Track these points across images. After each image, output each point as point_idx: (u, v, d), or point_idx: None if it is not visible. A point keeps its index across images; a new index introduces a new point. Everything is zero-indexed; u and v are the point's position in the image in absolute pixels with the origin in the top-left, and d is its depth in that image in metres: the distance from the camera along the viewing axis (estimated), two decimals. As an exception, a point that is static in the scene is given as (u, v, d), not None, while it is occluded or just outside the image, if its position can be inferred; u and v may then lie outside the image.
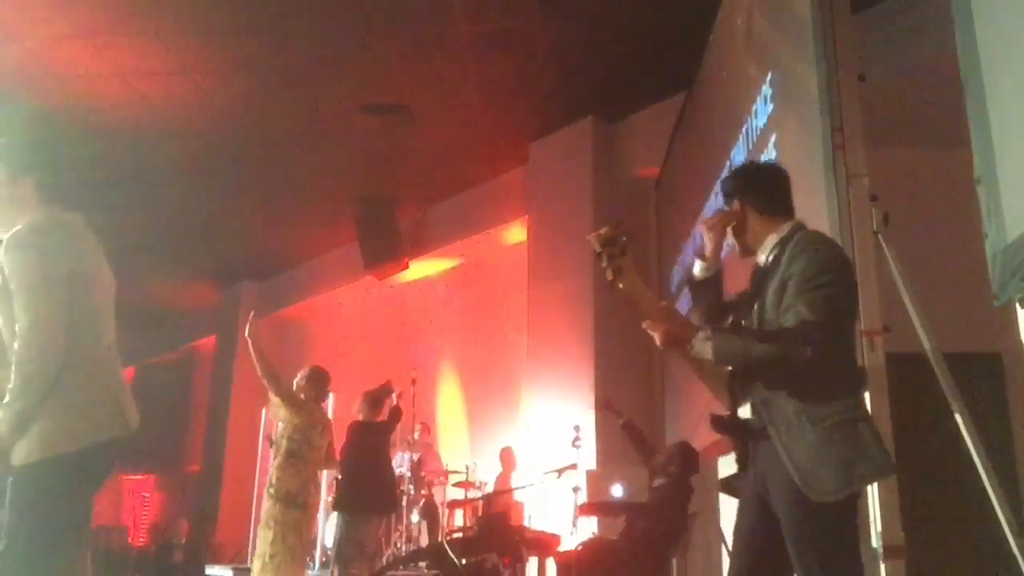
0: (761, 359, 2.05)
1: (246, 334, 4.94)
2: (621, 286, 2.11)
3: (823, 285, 2.05)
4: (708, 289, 2.36)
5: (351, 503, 5.40)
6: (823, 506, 1.98)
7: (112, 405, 2.44)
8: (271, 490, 4.81)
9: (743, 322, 2.26)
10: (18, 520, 2.29)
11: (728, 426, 2.22)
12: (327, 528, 7.17)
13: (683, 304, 5.90)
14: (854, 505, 2.05)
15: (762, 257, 2.27)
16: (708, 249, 2.37)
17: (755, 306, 2.21)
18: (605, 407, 5.86)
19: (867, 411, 2.19)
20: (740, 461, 2.24)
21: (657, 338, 2.11)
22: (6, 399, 2.30)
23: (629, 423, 5.50)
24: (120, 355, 2.58)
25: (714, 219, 2.37)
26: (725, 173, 4.86)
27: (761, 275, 2.24)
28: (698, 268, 2.38)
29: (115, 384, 2.49)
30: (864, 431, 2.06)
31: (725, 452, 4.63)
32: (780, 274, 2.14)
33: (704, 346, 2.08)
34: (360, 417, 5.64)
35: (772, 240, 2.25)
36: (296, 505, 4.77)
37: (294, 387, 5.07)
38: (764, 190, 2.34)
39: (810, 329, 2.00)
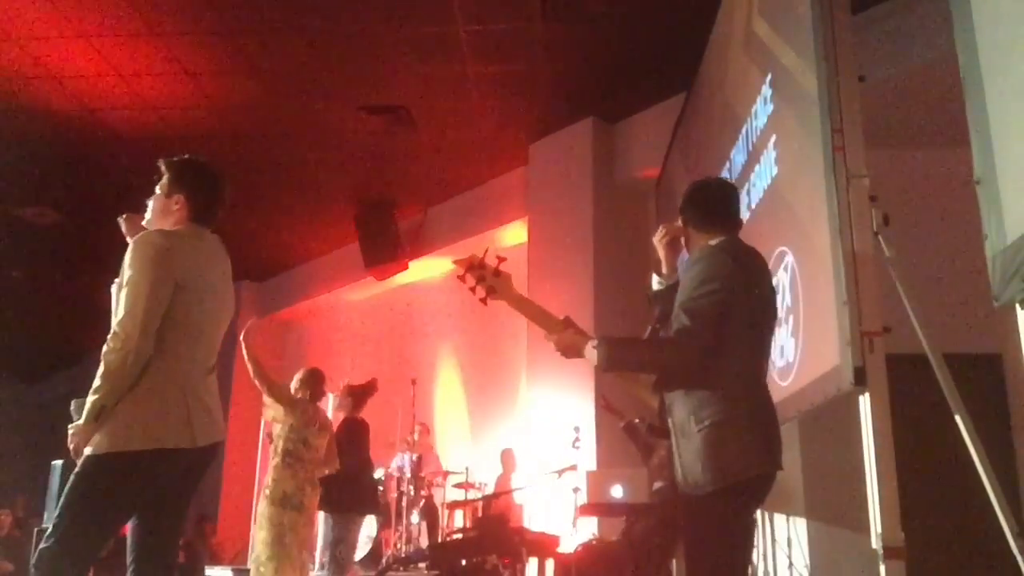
0: (645, 367, 2.27)
1: (241, 336, 4.94)
2: (492, 300, 2.31)
3: (705, 294, 2.21)
4: (664, 300, 2.48)
5: (345, 503, 5.28)
6: (701, 500, 2.15)
7: (182, 416, 2.47)
8: (267, 491, 4.79)
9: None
10: (66, 506, 2.37)
11: (634, 431, 2.45)
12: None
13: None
14: (727, 499, 2.16)
15: (682, 272, 2.46)
16: (663, 264, 2.55)
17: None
18: (606, 408, 5.85)
19: (752, 409, 2.26)
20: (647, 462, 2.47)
21: (553, 346, 2.31)
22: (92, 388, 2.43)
23: (630, 425, 5.50)
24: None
25: (661, 233, 2.55)
26: (725, 174, 4.88)
27: (672, 291, 2.42)
28: (655, 282, 2.54)
29: (193, 398, 2.53)
30: (746, 427, 2.19)
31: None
32: (680, 283, 2.34)
33: (592, 354, 2.26)
34: (344, 413, 5.59)
35: (694, 256, 2.42)
36: (292, 506, 4.74)
37: (291, 389, 5.07)
38: (700, 207, 2.50)
39: (685, 337, 2.17)
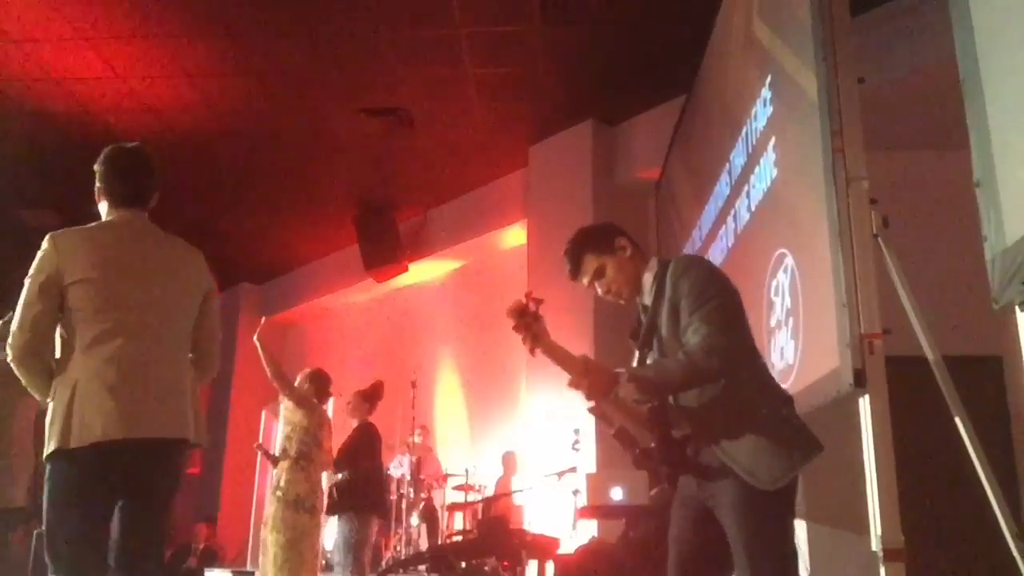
0: (681, 381, 2.18)
1: (255, 338, 4.94)
2: (538, 351, 2.22)
3: (711, 297, 2.19)
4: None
5: (365, 506, 5.30)
6: (768, 495, 2.10)
7: (101, 408, 2.41)
8: (279, 493, 4.78)
9: (647, 361, 2.36)
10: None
11: (664, 458, 2.28)
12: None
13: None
14: (794, 490, 2.18)
15: (646, 296, 2.38)
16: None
17: (654, 340, 2.32)
18: (596, 415, 5.84)
19: (787, 396, 2.31)
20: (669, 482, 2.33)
21: (583, 394, 2.22)
22: None
23: (621, 431, 5.50)
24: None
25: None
26: (725, 176, 4.88)
27: (651, 310, 2.34)
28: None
29: (111, 390, 2.45)
30: (787, 416, 2.22)
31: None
32: (667, 301, 2.26)
33: (628, 389, 2.21)
34: (358, 418, 5.62)
35: (648, 278, 2.37)
36: (305, 509, 4.74)
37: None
38: (622, 235, 2.45)
39: (712, 340, 2.13)
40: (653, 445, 2.30)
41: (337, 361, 9.63)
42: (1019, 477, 5.08)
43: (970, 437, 2.69)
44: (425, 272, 9.93)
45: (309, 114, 7.58)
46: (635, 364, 2.40)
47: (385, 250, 9.26)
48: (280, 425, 5.19)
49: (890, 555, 2.61)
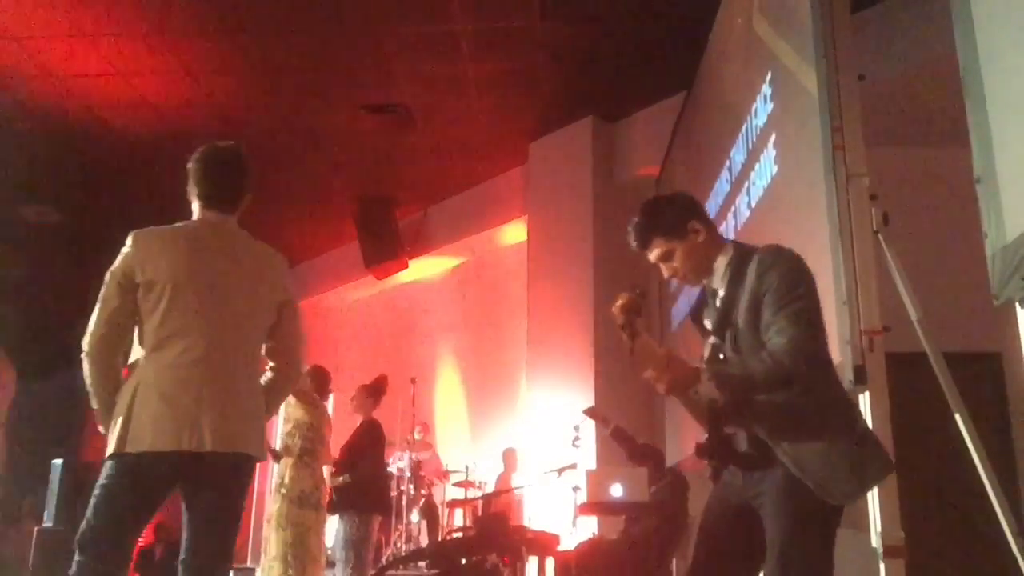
0: (764, 384, 2.03)
1: None
2: (636, 348, 2.09)
3: (800, 296, 2.05)
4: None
5: (368, 504, 5.30)
6: (821, 505, 2.00)
7: (173, 418, 2.38)
8: (283, 490, 4.78)
9: (718, 352, 2.22)
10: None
11: (713, 451, 2.21)
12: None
13: (682, 306, 5.91)
14: (843, 507, 2.09)
15: (717, 281, 2.23)
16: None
17: (726, 331, 2.18)
18: (591, 416, 5.86)
19: (857, 409, 2.23)
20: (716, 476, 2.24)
21: (662, 387, 2.05)
22: None
23: (617, 430, 5.53)
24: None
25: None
26: (725, 173, 4.88)
27: (725, 299, 2.20)
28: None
29: (182, 401, 2.41)
30: (863, 431, 2.10)
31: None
32: (749, 292, 2.11)
33: (709, 387, 2.06)
34: (363, 414, 5.61)
35: (722, 263, 2.22)
36: (310, 505, 4.75)
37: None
38: (698, 214, 2.28)
39: (800, 343, 2.00)
40: (706, 438, 2.19)
41: (337, 358, 9.63)
42: (1019, 473, 5.09)
43: (970, 433, 2.70)
44: (425, 269, 9.93)
45: (309, 110, 7.57)
46: (707, 354, 2.26)
47: (385, 247, 9.25)
48: (280, 422, 5.19)
49: (890, 551, 2.61)
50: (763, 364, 2.01)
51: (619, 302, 2.14)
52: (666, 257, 2.26)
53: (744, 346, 2.12)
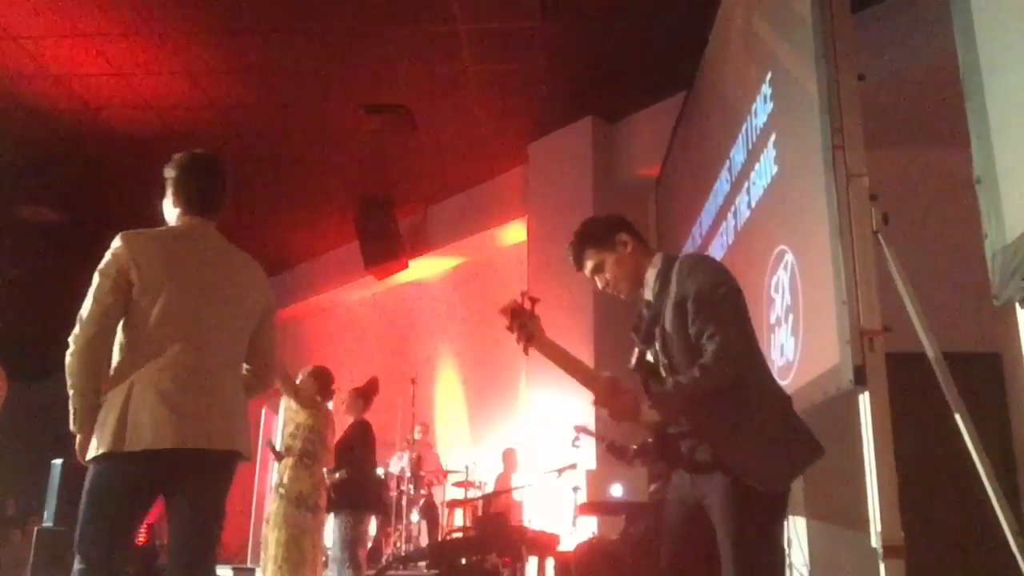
0: (700, 398, 2.13)
1: None
2: (532, 350, 2.24)
3: (723, 298, 2.17)
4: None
5: (361, 504, 5.32)
6: (762, 497, 2.10)
7: (152, 416, 2.38)
8: (281, 491, 4.78)
9: (647, 356, 2.36)
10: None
11: (659, 454, 2.28)
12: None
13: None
14: (787, 494, 2.20)
15: (648, 292, 2.36)
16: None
17: (656, 336, 2.30)
18: (582, 432, 5.83)
19: (786, 396, 2.30)
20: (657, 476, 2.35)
21: (608, 414, 2.21)
22: None
23: (612, 444, 5.50)
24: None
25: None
26: (725, 173, 4.88)
27: (653, 307, 2.32)
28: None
29: (168, 399, 2.41)
30: (790, 418, 2.22)
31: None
32: (672, 297, 2.23)
33: (651, 413, 2.18)
34: (354, 416, 5.62)
35: (652, 274, 2.34)
36: (307, 507, 4.74)
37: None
38: (627, 229, 2.44)
39: (727, 350, 2.11)
40: (650, 440, 2.27)
41: (337, 358, 9.63)
42: (1019, 473, 5.09)
43: (970, 433, 2.70)
44: (425, 269, 9.93)
45: (309, 111, 7.58)
46: (634, 361, 2.39)
47: (385, 247, 9.25)
48: (282, 423, 5.19)
49: (890, 552, 2.61)
50: (694, 380, 2.11)
51: (503, 306, 2.26)
52: (598, 269, 2.42)
53: (674, 350, 2.23)
